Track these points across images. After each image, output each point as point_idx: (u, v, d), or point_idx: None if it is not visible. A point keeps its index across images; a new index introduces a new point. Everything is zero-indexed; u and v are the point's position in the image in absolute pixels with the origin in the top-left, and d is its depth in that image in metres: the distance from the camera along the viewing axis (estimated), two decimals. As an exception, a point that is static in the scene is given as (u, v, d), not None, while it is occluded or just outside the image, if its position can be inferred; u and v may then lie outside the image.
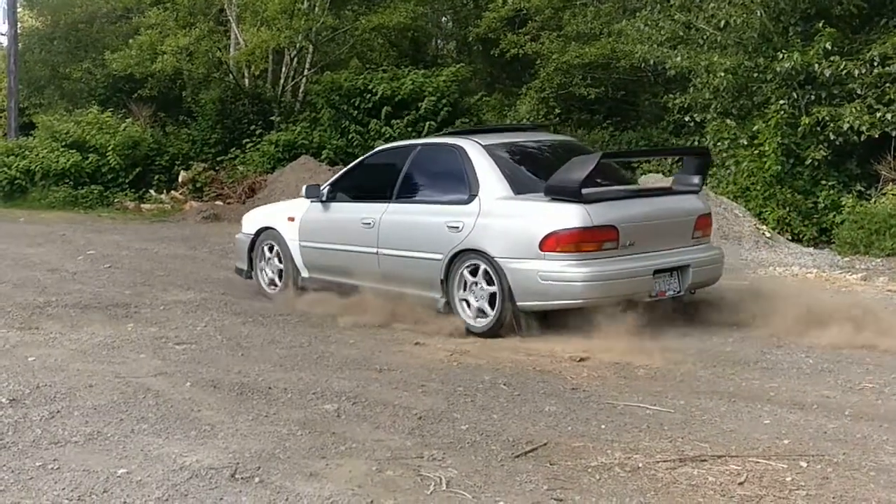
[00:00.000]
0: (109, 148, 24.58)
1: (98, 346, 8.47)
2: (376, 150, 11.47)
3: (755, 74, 16.86)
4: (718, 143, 17.27)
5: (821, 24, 15.71)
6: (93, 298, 11.01)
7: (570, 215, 8.27)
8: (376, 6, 27.50)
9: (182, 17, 28.64)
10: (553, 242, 8.23)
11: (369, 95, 24.13)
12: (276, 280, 11.03)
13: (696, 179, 9.45)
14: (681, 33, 18.47)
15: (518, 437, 5.86)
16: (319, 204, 10.53)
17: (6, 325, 9.44)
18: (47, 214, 22.02)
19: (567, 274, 8.22)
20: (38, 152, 24.77)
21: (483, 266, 8.66)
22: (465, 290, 8.89)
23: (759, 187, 16.11)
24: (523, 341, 8.52)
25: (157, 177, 25.15)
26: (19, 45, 30.10)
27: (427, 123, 23.42)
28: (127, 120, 26.47)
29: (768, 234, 14.66)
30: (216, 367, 7.69)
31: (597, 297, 8.27)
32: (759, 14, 16.45)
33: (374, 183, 10.34)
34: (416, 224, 9.36)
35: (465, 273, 8.83)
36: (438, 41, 34.08)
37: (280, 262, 10.92)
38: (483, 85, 28.74)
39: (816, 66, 15.50)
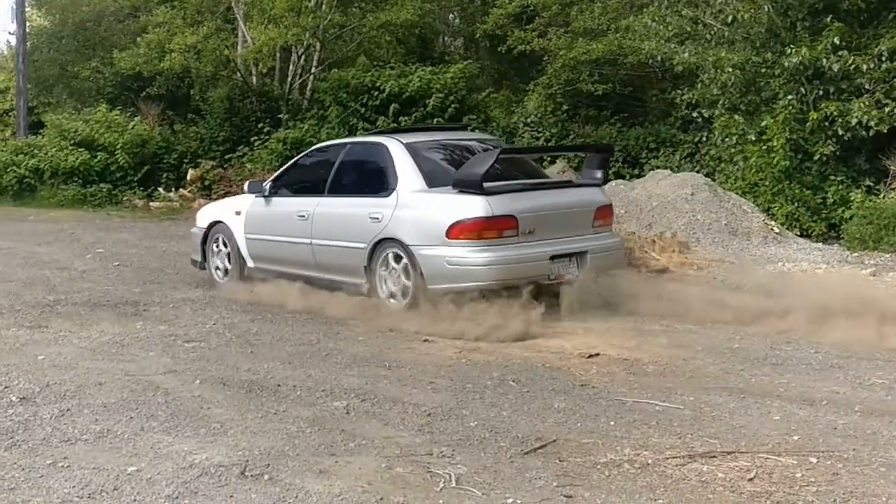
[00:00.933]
0: (118, 146, 24.62)
1: (107, 344, 8.49)
2: (312, 148, 12.31)
3: (763, 70, 16.82)
4: (726, 139, 17.24)
5: (829, 19, 15.67)
6: (102, 296, 11.04)
7: (472, 206, 9.08)
8: (383, 3, 27.48)
9: (190, 16, 28.64)
10: (458, 231, 9.04)
11: (377, 93, 24.11)
12: (226, 270, 11.74)
13: (598, 174, 10.44)
14: (688, 29, 18.42)
15: (527, 433, 5.86)
16: (262, 199, 11.26)
17: (16, 323, 9.47)
18: (56, 213, 22.06)
19: (470, 259, 9.01)
20: (46, 151, 24.80)
21: (399, 253, 9.44)
22: (385, 275, 9.63)
23: (767, 183, 16.07)
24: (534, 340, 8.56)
25: (165, 175, 25.18)
26: (27, 44, 30.15)
27: (435, 120, 23.39)
28: (135, 118, 26.51)
29: (777, 230, 14.62)
30: (225, 365, 7.70)
31: (497, 280, 9.01)
32: (766, 9, 16.41)
33: (309, 178, 11.22)
34: (343, 216, 10.18)
35: (385, 260, 9.60)
36: (446, 38, 34.05)
37: (229, 253, 11.66)
38: (490, 82, 28.72)
39: (824, 61, 15.46)
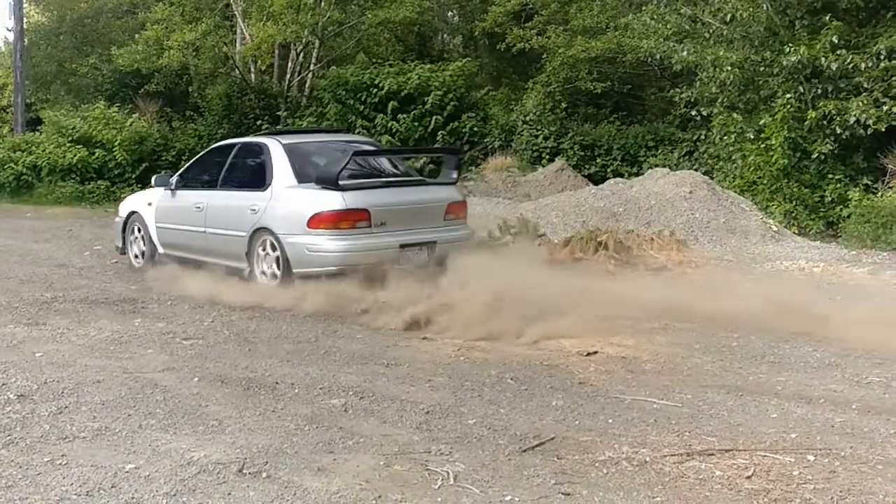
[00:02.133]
0: (116, 143, 24.62)
1: (105, 342, 8.48)
2: (210, 147, 13.52)
3: (761, 68, 16.85)
4: (725, 138, 17.27)
5: (827, 18, 15.69)
6: (100, 294, 11.03)
7: (330, 200, 10.21)
8: (382, 0, 27.48)
9: (188, 13, 28.64)
10: (317, 221, 10.16)
11: (375, 90, 24.13)
12: (141, 255, 12.99)
13: (453, 174, 11.68)
14: (687, 27, 18.45)
15: (525, 431, 5.86)
16: (169, 192, 12.47)
17: (13, 320, 9.46)
18: (54, 210, 22.06)
19: (326, 246, 10.14)
20: (44, 148, 24.79)
21: (271, 240, 10.56)
22: (260, 259, 10.74)
23: (765, 181, 16.10)
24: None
25: (163, 172, 25.16)
26: (25, 40, 30.11)
27: (433, 118, 23.43)
28: (133, 115, 26.50)
29: (775, 228, 14.64)
30: (224, 363, 7.70)
31: (349, 265, 10.08)
32: (765, 8, 16.43)
33: (206, 174, 12.30)
34: (229, 207, 11.34)
35: (261, 246, 10.72)
36: (445, 36, 34.07)
37: (143, 240, 12.93)
38: (489, 79, 28.74)
39: (823, 59, 15.48)
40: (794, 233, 14.99)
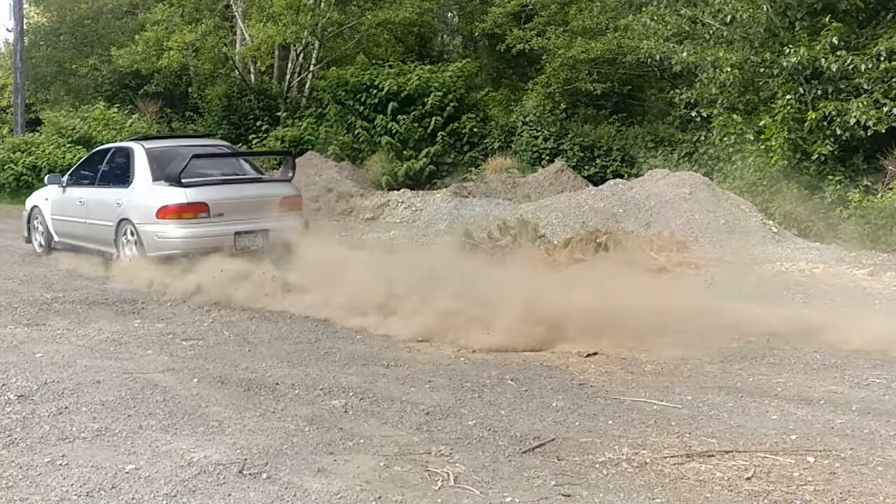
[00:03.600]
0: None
1: (105, 343, 8.49)
2: (93, 151, 15.46)
3: (761, 69, 16.84)
4: (725, 139, 17.26)
5: (827, 19, 15.68)
6: (99, 295, 11.04)
7: (174, 195, 11.96)
8: (382, 1, 27.50)
9: (188, 13, 28.66)
10: (163, 213, 11.91)
11: (375, 91, 24.14)
12: (42, 244, 14.88)
13: (290, 173, 13.78)
14: (687, 28, 18.45)
15: (525, 432, 5.86)
16: (61, 189, 14.30)
17: (13, 321, 9.47)
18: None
19: (171, 233, 11.86)
20: (44, 148, 24.82)
21: (131, 229, 12.32)
22: (124, 245, 12.50)
23: (765, 182, 16.08)
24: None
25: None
26: (25, 41, 30.11)
27: (433, 119, 23.43)
28: (133, 116, 26.54)
29: (775, 229, 14.64)
30: (223, 363, 7.70)
31: (190, 249, 11.71)
32: (765, 9, 16.43)
33: (87, 173, 14.09)
34: (101, 202, 13.08)
35: (124, 233, 12.47)
36: (444, 36, 34.10)
37: (42, 230, 14.83)
38: (489, 80, 28.75)
39: (823, 60, 15.47)
40: (794, 234, 14.98)
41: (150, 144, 13.31)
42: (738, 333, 8.51)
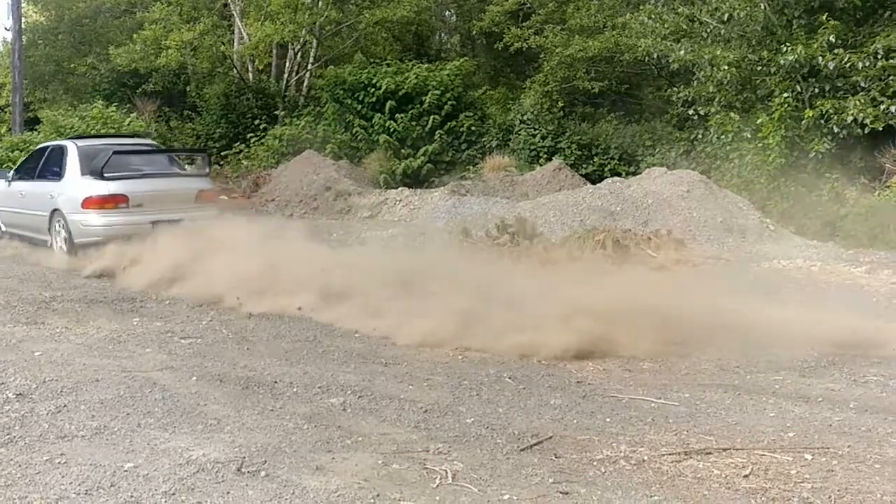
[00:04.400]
0: (114, 143, 24.55)
1: (104, 341, 8.49)
2: (36, 148, 16.96)
3: (759, 67, 16.85)
4: (722, 137, 17.27)
5: (824, 17, 15.69)
6: (98, 293, 11.04)
7: (97, 187, 13.30)
8: (380, 0, 27.49)
9: (186, 12, 28.64)
10: (87, 203, 13.22)
11: (373, 90, 24.13)
12: None
13: (206, 169, 15.71)
14: (684, 26, 18.46)
15: (523, 430, 5.87)
16: (7, 183, 15.66)
17: (12, 319, 9.47)
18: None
19: (94, 222, 13.20)
20: (42, 147, 24.73)
21: (61, 218, 13.59)
22: (56, 233, 13.80)
23: (762, 180, 16.09)
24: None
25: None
26: (23, 40, 30.07)
27: (431, 117, 23.43)
28: (132, 114, 26.46)
29: (772, 227, 14.64)
30: (222, 362, 7.71)
31: (111, 236, 12.95)
32: (762, 7, 16.45)
33: (30, 169, 15.37)
34: (39, 194, 14.42)
35: (56, 222, 13.77)
36: (442, 35, 34.08)
37: None
38: (487, 79, 28.74)
39: (820, 58, 15.49)
40: (791, 232, 14.98)
41: (82, 143, 14.71)
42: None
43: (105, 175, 13.34)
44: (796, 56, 15.51)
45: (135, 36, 28.36)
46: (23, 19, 30.58)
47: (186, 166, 16.68)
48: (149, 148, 16.03)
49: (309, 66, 28.16)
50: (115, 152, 13.71)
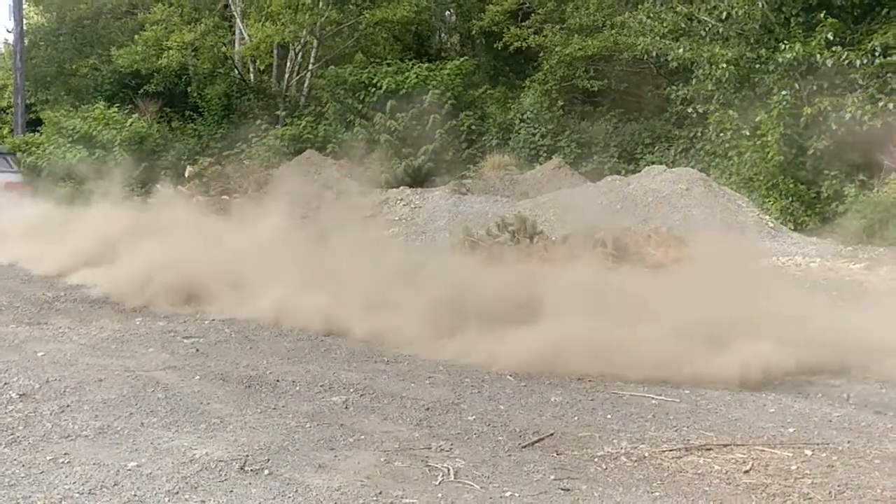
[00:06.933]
0: (116, 143, 24.62)
1: (107, 341, 8.50)
2: None
3: (757, 65, 16.87)
4: (721, 135, 17.30)
5: (822, 15, 15.72)
6: (101, 293, 11.04)
7: None
8: (380, 0, 27.51)
9: (187, 13, 28.67)
10: None
11: (374, 89, 24.18)
12: None
13: (14, 166, 19.28)
14: (683, 25, 18.49)
15: (525, 427, 5.89)
16: None
17: (15, 320, 9.48)
18: (53, 210, 22.03)
19: None
20: (44, 148, 24.83)
21: None
22: None
23: (761, 178, 16.12)
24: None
25: (163, 172, 25.17)
26: (25, 41, 30.09)
27: (431, 117, 23.44)
28: (133, 115, 26.50)
29: (771, 224, 14.67)
30: (224, 361, 7.72)
31: None
32: (760, 5, 16.47)
33: None
34: None
35: None
36: (442, 35, 34.06)
37: None
38: (486, 78, 28.73)
39: (818, 56, 15.52)
40: (790, 229, 15.01)
41: None
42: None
43: None
44: (794, 54, 15.53)
45: (136, 37, 28.40)
46: (24, 21, 30.65)
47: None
48: None
49: (310, 67, 28.18)
50: None
